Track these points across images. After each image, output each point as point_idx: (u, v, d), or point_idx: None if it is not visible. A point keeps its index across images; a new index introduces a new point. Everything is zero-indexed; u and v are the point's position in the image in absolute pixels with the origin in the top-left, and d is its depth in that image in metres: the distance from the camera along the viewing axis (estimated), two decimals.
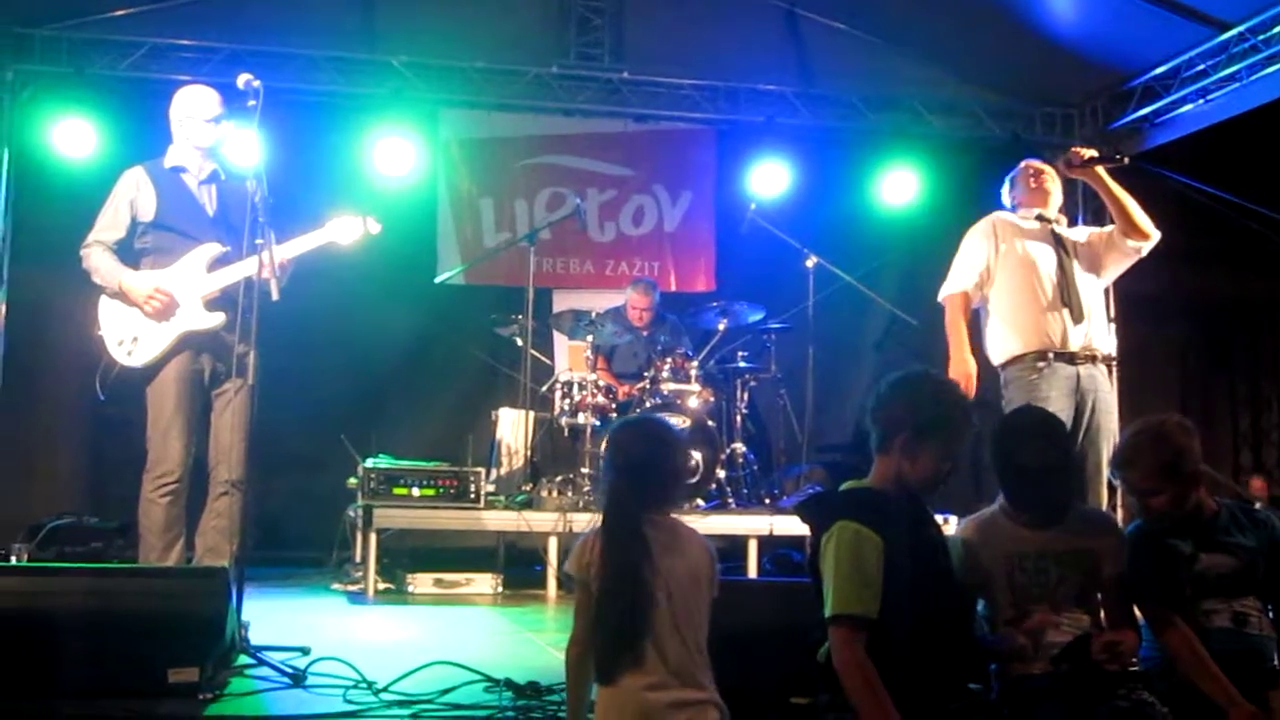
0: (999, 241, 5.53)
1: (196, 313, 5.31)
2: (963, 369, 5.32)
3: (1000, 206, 5.78)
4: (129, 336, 5.33)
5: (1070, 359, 5.28)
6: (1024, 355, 5.33)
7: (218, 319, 5.30)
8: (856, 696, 2.99)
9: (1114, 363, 5.56)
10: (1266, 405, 11.29)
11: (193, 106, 5.42)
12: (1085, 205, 9.99)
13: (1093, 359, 5.34)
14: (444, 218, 9.60)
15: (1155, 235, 5.51)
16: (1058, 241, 5.51)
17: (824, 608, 3.11)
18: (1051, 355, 5.28)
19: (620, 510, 3.06)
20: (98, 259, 5.37)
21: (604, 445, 3.24)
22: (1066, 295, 5.37)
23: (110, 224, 5.41)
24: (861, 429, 9.67)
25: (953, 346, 5.43)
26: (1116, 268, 5.68)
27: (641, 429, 3.23)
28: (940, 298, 5.64)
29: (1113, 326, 9.48)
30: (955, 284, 5.58)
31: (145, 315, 5.29)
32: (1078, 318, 5.33)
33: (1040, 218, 5.57)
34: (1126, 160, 5.52)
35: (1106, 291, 5.80)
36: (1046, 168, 5.66)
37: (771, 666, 3.26)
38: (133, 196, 5.40)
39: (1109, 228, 5.59)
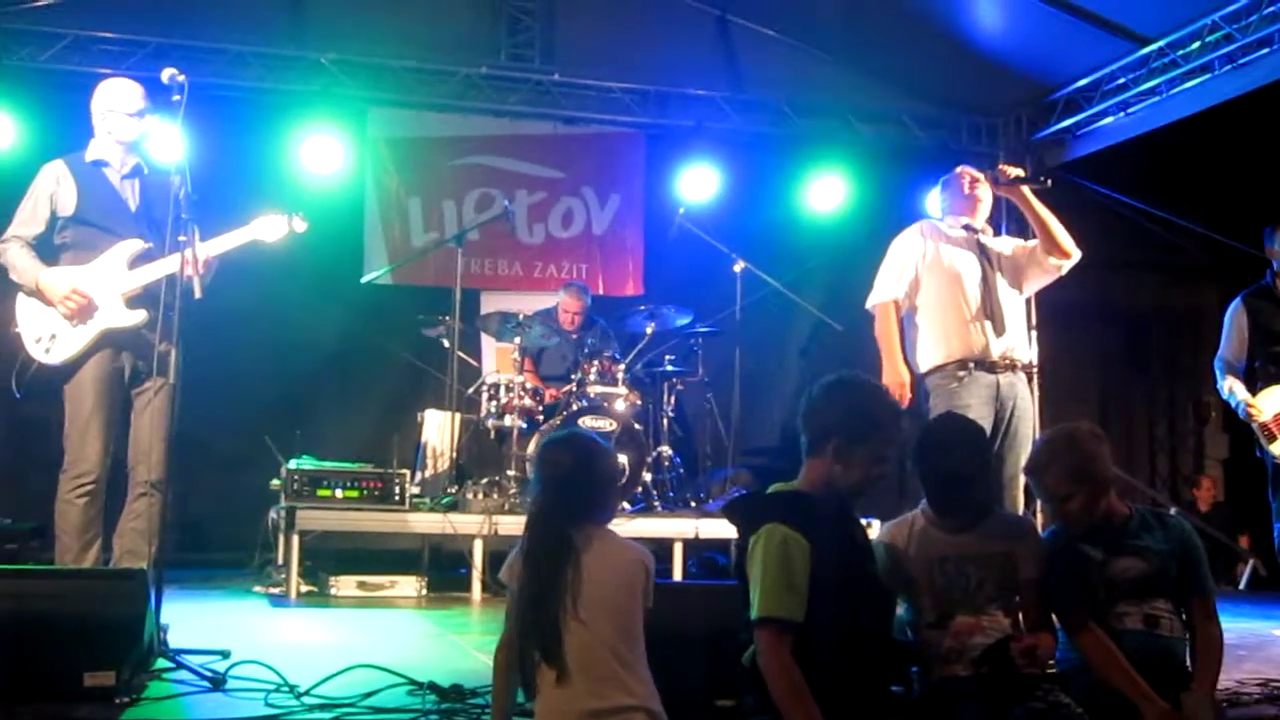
0: (926, 249, 5.56)
1: (117, 310, 5.22)
2: (896, 377, 5.34)
3: (921, 215, 5.82)
4: (47, 334, 5.21)
5: (990, 367, 5.34)
6: (946, 364, 5.38)
7: (139, 317, 5.20)
8: (782, 700, 3.01)
9: (1034, 371, 5.63)
10: (1182, 412, 11.51)
11: (115, 100, 5.32)
12: (1009, 215, 10.15)
13: (1012, 367, 5.40)
14: (371, 217, 9.53)
15: (1076, 255, 5.57)
16: (983, 252, 5.54)
17: (750, 610, 3.12)
18: (972, 364, 5.33)
19: (545, 524, 3.08)
20: (14, 255, 5.25)
21: (531, 461, 3.25)
22: (990, 307, 5.41)
23: (29, 219, 5.29)
24: (788, 433, 9.72)
25: (885, 355, 5.45)
26: (1036, 282, 5.75)
27: (571, 445, 3.23)
28: (869, 305, 5.64)
29: (1034, 335, 9.70)
30: (884, 292, 5.58)
31: (61, 315, 5.19)
32: (1000, 330, 5.38)
33: (967, 227, 5.60)
34: (1050, 183, 5.59)
35: (1028, 300, 5.87)
36: (981, 176, 5.68)
37: (697, 669, 3.27)
38: (52, 190, 5.29)
39: (1032, 242, 5.63)
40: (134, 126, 5.31)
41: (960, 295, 5.43)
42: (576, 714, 2.90)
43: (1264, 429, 6.56)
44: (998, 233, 5.78)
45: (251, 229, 5.40)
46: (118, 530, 5.29)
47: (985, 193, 5.64)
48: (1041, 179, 5.58)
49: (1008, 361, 5.37)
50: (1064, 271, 5.63)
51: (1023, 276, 5.63)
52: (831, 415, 3.32)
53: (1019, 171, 5.56)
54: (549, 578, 2.99)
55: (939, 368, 5.39)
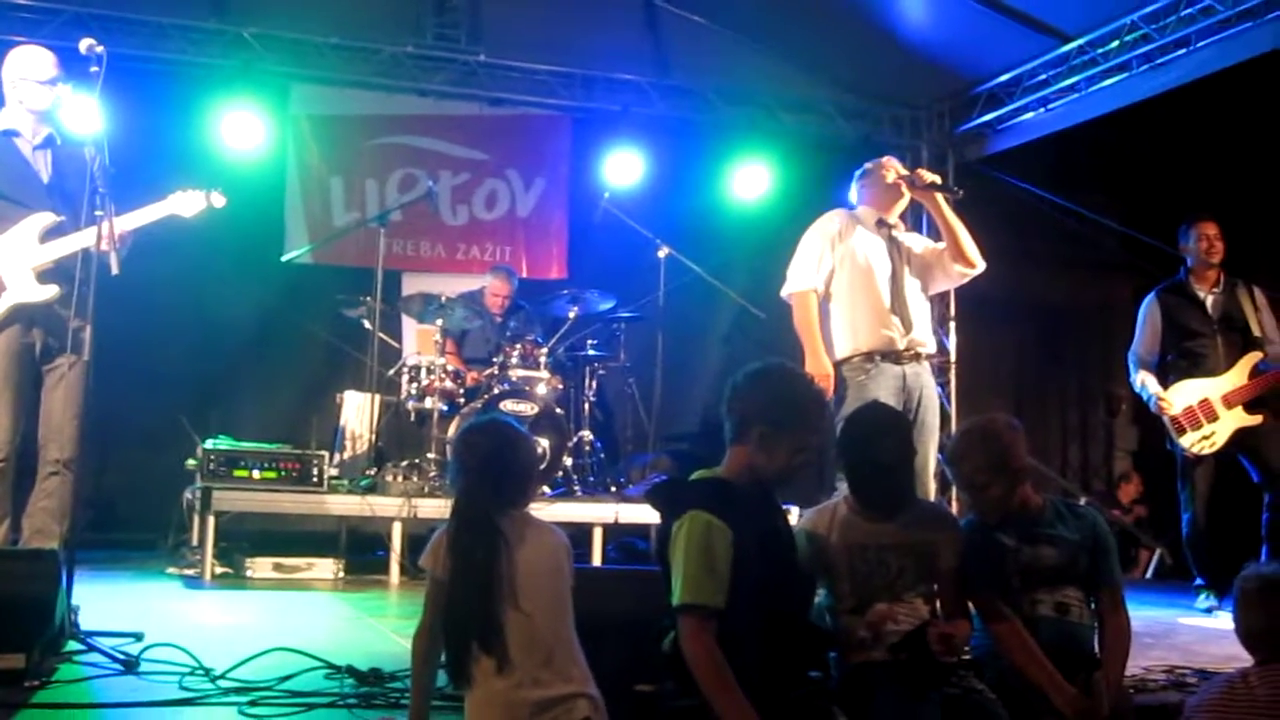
0: (840, 239, 5.58)
1: (27, 285, 5.11)
2: (820, 369, 5.35)
3: (844, 205, 5.85)
4: None
5: (896, 359, 5.40)
6: (853, 357, 5.43)
7: (50, 291, 5.10)
8: (707, 685, 3.02)
9: (934, 361, 5.70)
10: (1094, 404, 11.73)
11: (26, 68, 5.20)
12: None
13: (917, 358, 5.47)
14: (292, 195, 9.42)
15: (980, 266, 5.65)
16: (894, 247, 5.60)
17: (672, 596, 3.14)
18: (879, 356, 5.39)
19: (471, 509, 3.07)
20: None
21: (451, 447, 3.23)
22: (897, 302, 5.47)
23: None
24: (709, 419, 9.82)
25: (808, 346, 5.45)
26: (940, 286, 5.87)
27: (490, 430, 3.22)
28: (785, 294, 5.65)
29: (952, 326, 9.83)
30: (802, 281, 5.58)
31: None
32: (907, 325, 5.45)
33: (880, 221, 5.64)
34: (961, 193, 5.72)
35: (943, 293, 5.96)
36: (904, 171, 5.73)
37: (616, 654, 3.27)
38: None
39: (941, 245, 5.70)
40: (46, 94, 5.19)
41: (871, 288, 5.49)
42: (520, 703, 2.90)
43: (1174, 422, 6.72)
44: (910, 228, 5.84)
45: (168, 204, 5.31)
46: (28, 510, 5.20)
47: (904, 189, 5.69)
48: (954, 189, 5.74)
49: (913, 353, 5.44)
50: (966, 280, 5.73)
51: (928, 277, 5.71)
52: (756, 403, 3.33)
53: (934, 178, 5.69)
54: (481, 567, 2.98)
55: (847, 359, 5.45)
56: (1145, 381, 6.86)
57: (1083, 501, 4.05)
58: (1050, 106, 9.08)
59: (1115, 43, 8.24)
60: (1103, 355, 11.20)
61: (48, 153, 5.28)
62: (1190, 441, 6.66)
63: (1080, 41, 8.47)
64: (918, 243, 5.79)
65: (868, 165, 5.81)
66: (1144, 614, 6.27)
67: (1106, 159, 10.32)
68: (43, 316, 5.17)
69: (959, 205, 5.74)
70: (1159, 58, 8.02)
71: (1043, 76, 8.95)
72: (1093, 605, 3.79)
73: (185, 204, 5.33)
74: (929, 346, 5.57)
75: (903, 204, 5.74)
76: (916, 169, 5.76)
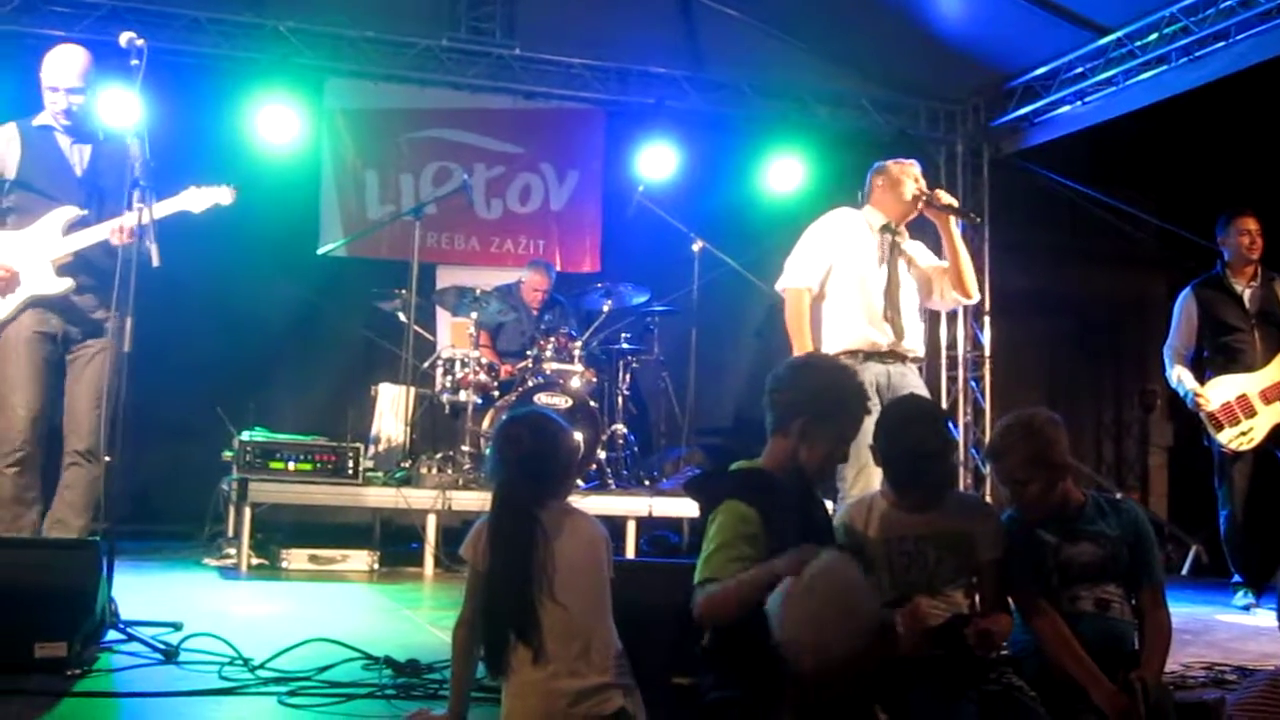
0: (841, 241, 5.54)
1: (45, 277, 5.16)
2: None
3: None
4: None
5: (880, 358, 5.37)
6: (838, 354, 5.41)
7: (65, 284, 5.16)
8: (730, 602, 3.03)
9: (920, 364, 5.64)
10: (1129, 399, 11.66)
11: (49, 75, 5.24)
12: (964, 203, 10.24)
13: (902, 359, 5.42)
14: (327, 188, 9.46)
15: (975, 297, 5.67)
16: (896, 255, 5.53)
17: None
18: (862, 355, 5.37)
19: (511, 502, 3.08)
20: None
21: (491, 438, 3.23)
22: (891, 310, 5.43)
23: None
24: (742, 413, 9.82)
25: (796, 343, 5.42)
26: (931, 306, 5.76)
27: (531, 422, 3.22)
28: (779, 288, 5.62)
29: (986, 321, 9.78)
30: (796, 278, 5.55)
31: None
32: (898, 333, 5.40)
33: (886, 227, 5.55)
34: (977, 220, 5.62)
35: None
36: (921, 179, 5.62)
37: (655, 647, 3.27)
38: (1, 152, 5.24)
39: (944, 264, 5.63)
40: (66, 100, 5.22)
41: (864, 296, 5.45)
42: (556, 693, 2.91)
43: (1211, 418, 6.66)
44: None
45: (179, 200, 5.32)
46: (55, 499, 5.24)
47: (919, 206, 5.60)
48: (971, 215, 5.60)
49: (898, 354, 5.40)
50: (958, 306, 5.68)
51: (925, 293, 5.64)
52: (799, 394, 3.34)
53: (952, 201, 5.61)
54: (520, 558, 2.99)
55: (834, 355, 5.43)
56: (1182, 377, 6.81)
57: (1118, 496, 4.02)
58: (1087, 100, 9.03)
59: (1153, 35, 8.19)
60: (1138, 350, 11.13)
61: (87, 147, 5.33)
62: (1228, 438, 6.60)
63: (1118, 34, 8.41)
64: (921, 255, 5.69)
65: (889, 165, 5.69)
66: (1182, 611, 6.21)
67: (1143, 153, 10.24)
68: (62, 307, 5.21)
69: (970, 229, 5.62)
70: (1197, 51, 7.96)
71: (1080, 70, 8.89)
72: (1133, 602, 3.76)
73: (194, 200, 5.33)
74: (917, 352, 5.53)
75: (912, 216, 5.64)
76: (935, 188, 5.62)
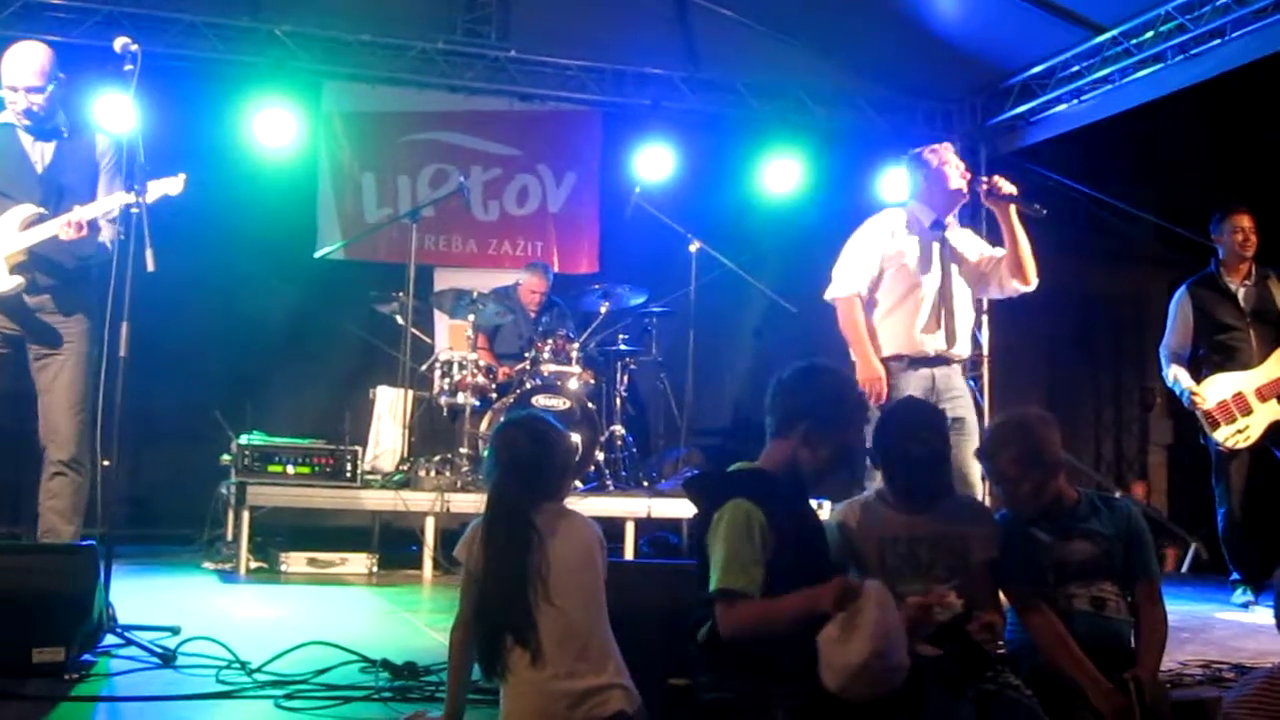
0: (890, 247, 5.45)
1: None
2: (871, 372, 5.28)
3: (876, 198, 5.74)
4: None
5: (928, 362, 5.35)
6: (888, 359, 5.39)
7: (15, 282, 5.07)
8: (765, 621, 3.03)
9: (965, 361, 5.59)
10: (1128, 397, 11.66)
11: (7, 74, 5.13)
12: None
13: (948, 362, 5.40)
14: (324, 191, 9.46)
15: (1034, 283, 5.50)
16: (948, 253, 5.45)
17: (709, 584, 3.14)
18: (907, 360, 5.35)
19: (504, 505, 3.09)
20: None
21: (488, 442, 3.24)
22: (942, 315, 5.38)
23: None
24: (740, 413, 9.82)
25: (857, 351, 5.37)
26: (990, 295, 5.75)
27: (526, 426, 3.24)
28: (829, 297, 5.56)
29: (984, 319, 9.78)
30: (846, 286, 5.49)
31: None
32: (950, 338, 5.37)
33: (936, 224, 5.47)
34: (1044, 212, 5.35)
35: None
36: (962, 164, 5.51)
37: (649, 648, 3.28)
38: None
39: (999, 253, 5.53)
40: (23, 100, 5.13)
41: (914, 303, 5.40)
42: (555, 695, 2.92)
43: (1208, 416, 6.66)
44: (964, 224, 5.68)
45: (128, 194, 5.25)
46: (39, 510, 5.20)
47: (965, 193, 5.50)
48: (1036, 206, 5.37)
49: (944, 357, 5.38)
50: (1017, 294, 5.58)
51: (979, 284, 5.59)
52: (803, 400, 3.35)
53: (1013, 190, 5.36)
54: (515, 561, 3.00)
55: (883, 360, 5.41)
56: (1178, 376, 6.81)
57: (1118, 495, 4.01)
58: (1084, 98, 9.03)
59: (1150, 33, 8.19)
60: (1137, 349, 11.14)
61: (50, 145, 5.25)
62: (1224, 436, 6.60)
63: (1114, 32, 8.41)
64: (973, 247, 5.58)
65: (924, 155, 5.55)
66: (1180, 609, 6.22)
67: (1141, 151, 10.25)
68: (16, 308, 5.12)
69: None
70: (1193, 48, 7.96)
71: (1076, 68, 8.90)
72: (1129, 599, 3.76)
73: (147, 192, 5.23)
74: (964, 353, 5.50)
75: (962, 203, 5.55)
76: (994, 176, 5.40)
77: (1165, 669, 3.99)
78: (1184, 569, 9.59)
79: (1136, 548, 3.77)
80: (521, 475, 3.11)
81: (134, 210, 4.70)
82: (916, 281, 5.41)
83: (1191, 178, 9.87)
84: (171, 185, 5.16)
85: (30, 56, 5.15)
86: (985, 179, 5.41)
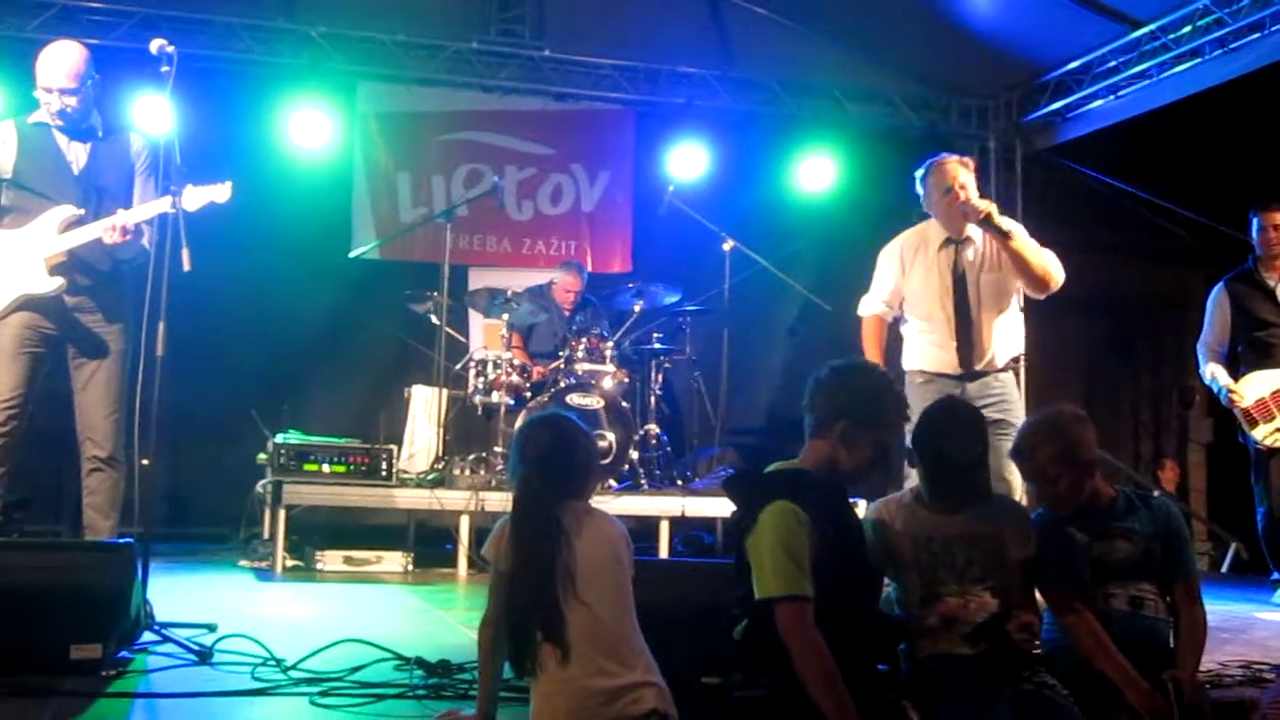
0: (905, 267, 5.49)
1: (37, 276, 5.12)
2: None
3: (915, 197, 5.68)
4: None
5: (957, 379, 5.31)
6: (914, 373, 5.42)
7: (56, 283, 5.12)
8: (813, 676, 3.00)
9: (1014, 365, 5.50)
10: (1167, 396, 11.56)
11: (42, 75, 5.17)
12: (997, 199, 10.17)
13: (981, 375, 5.31)
14: (360, 192, 9.50)
15: (1058, 281, 5.35)
16: (964, 269, 5.38)
17: (755, 586, 3.12)
18: (927, 375, 5.34)
19: (530, 502, 3.10)
20: None
21: (512, 440, 3.24)
22: (962, 329, 5.33)
23: None
24: (775, 412, 9.79)
25: None
26: (1028, 293, 5.56)
27: (551, 424, 3.24)
28: (859, 312, 5.68)
29: (1019, 318, 9.72)
30: (867, 306, 5.63)
31: None
32: (975, 354, 5.30)
33: (949, 240, 5.42)
34: (1010, 238, 5.21)
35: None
36: (968, 181, 5.37)
37: (682, 647, 3.27)
38: None
39: None
40: (58, 101, 5.17)
41: (931, 322, 5.41)
42: (587, 692, 2.91)
43: (1245, 414, 6.60)
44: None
45: (170, 200, 5.29)
46: (83, 507, 5.27)
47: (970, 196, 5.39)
48: (1004, 231, 5.23)
49: (973, 373, 5.32)
50: (1050, 293, 5.45)
51: (1007, 291, 5.45)
52: (842, 398, 3.34)
53: (986, 209, 5.23)
54: (543, 559, 3.00)
55: (909, 373, 5.45)
56: (1215, 374, 6.74)
57: (1156, 494, 3.97)
58: (1121, 94, 8.96)
59: (1187, 28, 8.12)
60: (1176, 346, 11.03)
61: (86, 146, 5.29)
62: (1263, 434, 6.54)
63: (1151, 27, 8.34)
64: (994, 261, 5.41)
65: (929, 169, 5.49)
66: (1220, 608, 6.16)
67: (1179, 146, 10.15)
68: (57, 310, 5.18)
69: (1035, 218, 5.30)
70: (1232, 43, 7.89)
71: (1113, 63, 8.83)
72: (1168, 599, 3.72)
73: (190, 199, 5.26)
74: (1000, 362, 5.39)
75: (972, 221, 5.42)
76: (968, 198, 5.29)
77: (1204, 669, 3.95)
78: (1224, 569, 9.50)
79: (1175, 546, 3.73)
80: (545, 472, 3.11)
81: (170, 210, 4.73)
82: (934, 299, 5.40)
83: (1230, 174, 9.75)
84: (218, 193, 5.21)
85: (64, 57, 5.18)
86: (963, 200, 5.29)
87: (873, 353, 5.50)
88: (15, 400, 5.13)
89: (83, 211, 5.17)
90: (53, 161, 5.25)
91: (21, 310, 5.16)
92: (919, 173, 5.57)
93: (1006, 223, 5.29)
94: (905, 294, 5.52)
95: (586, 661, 2.94)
